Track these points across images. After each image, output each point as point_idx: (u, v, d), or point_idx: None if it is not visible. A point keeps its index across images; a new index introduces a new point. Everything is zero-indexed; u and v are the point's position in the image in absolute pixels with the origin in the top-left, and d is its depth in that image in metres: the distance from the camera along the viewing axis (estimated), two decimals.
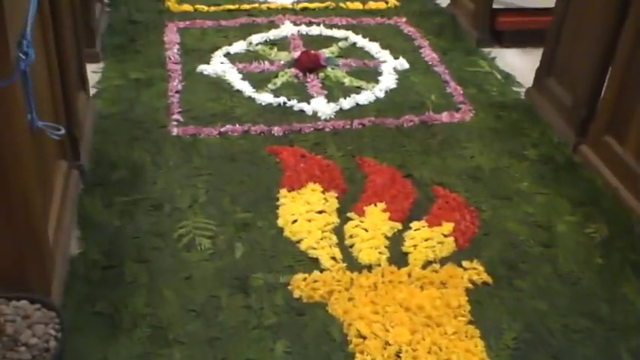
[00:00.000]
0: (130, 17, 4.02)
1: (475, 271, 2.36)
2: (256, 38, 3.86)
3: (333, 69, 3.58)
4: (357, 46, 3.87)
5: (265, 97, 3.31)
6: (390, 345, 2.05)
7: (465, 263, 2.39)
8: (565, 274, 2.38)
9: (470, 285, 2.31)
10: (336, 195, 2.69)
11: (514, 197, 2.75)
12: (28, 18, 1.88)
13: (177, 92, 3.32)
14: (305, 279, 2.29)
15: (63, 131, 2.09)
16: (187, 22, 4.00)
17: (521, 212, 2.66)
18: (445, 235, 2.52)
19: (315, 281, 2.28)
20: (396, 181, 2.78)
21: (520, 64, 3.79)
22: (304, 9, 4.26)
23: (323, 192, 2.70)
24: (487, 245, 2.49)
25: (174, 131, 3.03)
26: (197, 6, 4.19)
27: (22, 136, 1.80)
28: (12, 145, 1.78)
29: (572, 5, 3.14)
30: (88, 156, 2.78)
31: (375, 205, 2.64)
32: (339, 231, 2.52)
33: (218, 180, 2.74)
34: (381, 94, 3.40)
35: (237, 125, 3.09)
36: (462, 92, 3.47)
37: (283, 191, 2.69)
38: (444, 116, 3.26)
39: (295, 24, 4.05)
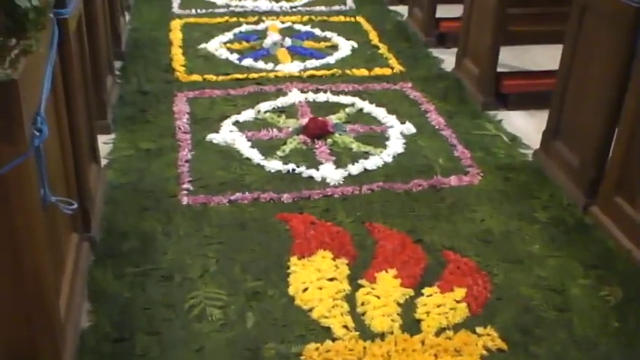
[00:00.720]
0: (141, 88, 4.09)
1: (489, 338, 2.33)
2: (264, 106, 3.92)
3: (340, 135, 3.62)
4: (364, 111, 3.92)
5: (274, 165, 3.34)
6: None
7: (478, 329, 2.36)
8: (581, 339, 2.34)
9: (485, 352, 2.28)
10: (347, 262, 2.68)
11: (526, 261, 2.73)
12: (43, 95, 1.92)
13: (187, 161, 3.35)
14: (317, 349, 2.26)
15: (75, 206, 2.11)
16: (196, 92, 4.07)
17: (533, 276, 2.64)
18: (457, 301, 2.49)
19: (328, 351, 2.25)
20: (407, 247, 2.77)
21: (526, 126, 3.82)
22: (311, 76, 4.33)
23: (333, 259, 2.69)
24: (500, 310, 2.46)
25: (185, 200, 3.05)
26: (206, 76, 4.27)
27: (35, 212, 1.82)
28: (25, 221, 1.79)
29: (575, 67, 3.19)
30: (98, 227, 2.79)
31: (386, 271, 2.63)
32: (350, 298, 2.50)
33: (228, 249, 2.74)
34: (389, 159, 3.43)
35: (247, 193, 3.11)
36: (469, 155, 3.49)
37: (294, 259, 2.69)
38: (453, 180, 3.28)
39: (303, 91, 4.11)
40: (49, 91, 2.02)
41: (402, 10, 5.52)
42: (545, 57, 4.21)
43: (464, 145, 3.59)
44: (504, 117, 3.94)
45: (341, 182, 3.23)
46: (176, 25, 5.06)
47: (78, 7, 2.72)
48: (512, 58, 4.42)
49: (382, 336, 2.33)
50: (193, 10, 5.35)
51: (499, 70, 4.06)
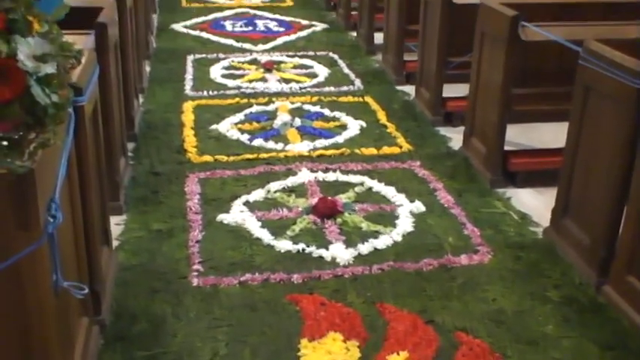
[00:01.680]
0: (153, 169, 4.15)
1: None
2: (274, 186, 3.96)
3: (350, 214, 3.64)
4: (373, 190, 3.95)
5: (284, 245, 3.35)
6: None
7: None
8: None
9: None
10: (358, 344, 2.65)
11: (540, 342, 2.69)
12: (58, 181, 1.96)
13: (197, 242, 3.37)
14: None
15: (87, 291, 2.12)
16: (208, 173, 4.12)
17: (548, 358, 2.60)
18: None
19: None
20: (418, 328, 2.75)
21: (536, 204, 3.84)
22: (320, 156, 4.39)
23: (344, 341, 2.67)
24: None
25: (195, 282, 3.05)
26: (217, 156, 4.33)
27: (47, 297, 1.83)
28: (36, 306, 1.80)
29: (582, 146, 3.22)
30: (108, 310, 2.79)
31: (398, 353, 2.60)
32: None
33: (238, 331, 2.73)
34: (399, 238, 3.44)
35: (257, 274, 3.11)
36: (479, 234, 3.49)
37: (304, 341, 2.66)
38: (463, 259, 3.27)
39: (312, 171, 4.16)
40: (64, 177, 2.06)
41: (409, 89, 5.62)
42: (552, 134, 4.27)
43: (473, 223, 3.60)
44: (513, 195, 3.95)
45: (351, 262, 3.23)
46: (188, 107, 5.17)
47: (94, 93, 2.80)
48: (519, 135, 4.49)
49: None
50: (205, 92, 5.47)
51: (506, 148, 4.11)
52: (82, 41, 3.10)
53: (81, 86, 2.42)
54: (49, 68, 1.40)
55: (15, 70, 1.33)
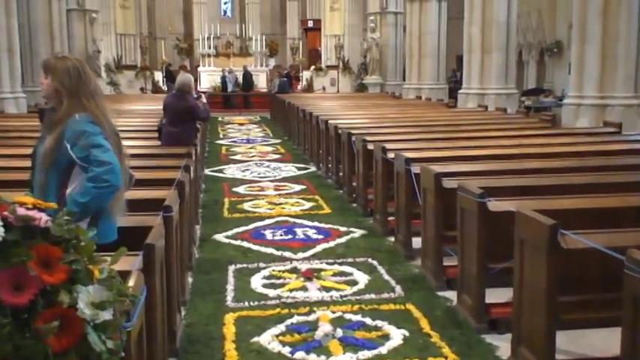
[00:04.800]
0: None
1: None
2: None
3: None
4: None
5: None
6: None
7: None
8: None
9: None
10: None
11: None
12: None
13: None
14: None
15: None
16: None
17: None
18: None
19: None
20: None
21: None
22: None
23: None
24: None
25: None
26: None
27: None
28: None
29: (638, 357, 3.10)
30: None
31: None
32: None
33: None
34: None
35: None
36: None
37: None
38: None
39: None
40: None
41: (451, 295, 5.55)
42: (603, 341, 4.14)
43: None
44: None
45: None
46: (229, 319, 5.16)
47: (140, 314, 2.83)
48: (569, 343, 4.35)
49: None
50: (246, 303, 5.48)
51: (558, 357, 3.96)
52: (130, 263, 3.19)
53: (128, 311, 2.45)
54: (107, 315, 1.44)
55: (74, 319, 1.37)
